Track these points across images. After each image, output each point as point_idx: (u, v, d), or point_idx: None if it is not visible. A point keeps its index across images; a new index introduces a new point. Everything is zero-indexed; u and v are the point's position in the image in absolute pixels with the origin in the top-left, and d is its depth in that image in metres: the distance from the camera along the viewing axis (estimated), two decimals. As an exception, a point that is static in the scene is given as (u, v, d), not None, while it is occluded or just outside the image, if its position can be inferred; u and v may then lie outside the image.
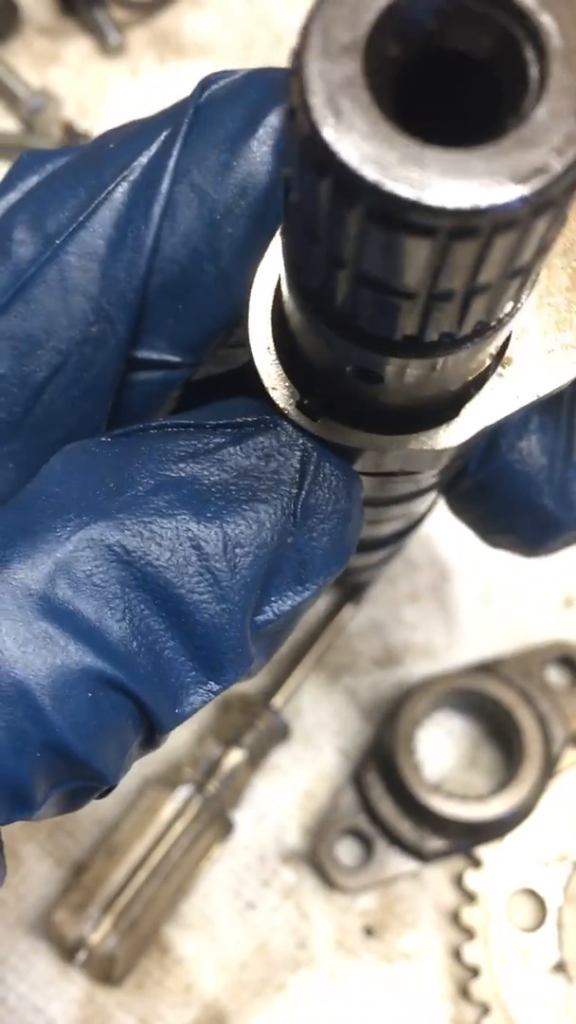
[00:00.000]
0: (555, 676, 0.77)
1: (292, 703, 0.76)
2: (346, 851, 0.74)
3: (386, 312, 0.27)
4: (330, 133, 0.22)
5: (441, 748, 0.77)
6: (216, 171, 0.37)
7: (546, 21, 0.23)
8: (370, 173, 0.22)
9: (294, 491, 0.35)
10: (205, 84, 0.38)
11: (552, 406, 0.47)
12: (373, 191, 0.22)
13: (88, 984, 0.71)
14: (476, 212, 0.22)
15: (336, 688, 0.78)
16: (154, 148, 0.37)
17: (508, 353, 0.35)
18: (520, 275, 0.26)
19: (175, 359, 0.39)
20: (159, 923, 0.70)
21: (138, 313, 0.38)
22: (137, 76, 0.97)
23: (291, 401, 0.35)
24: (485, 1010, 0.70)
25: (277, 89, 0.37)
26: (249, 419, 0.35)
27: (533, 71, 0.23)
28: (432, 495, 0.50)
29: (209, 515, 0.33)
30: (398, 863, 0.72)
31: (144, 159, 0.37)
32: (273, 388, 0.35)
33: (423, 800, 0.71)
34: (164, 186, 0.37)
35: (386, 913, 0.73)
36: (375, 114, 0.23)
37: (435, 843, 0.72)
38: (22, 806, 0.32)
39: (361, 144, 0.22)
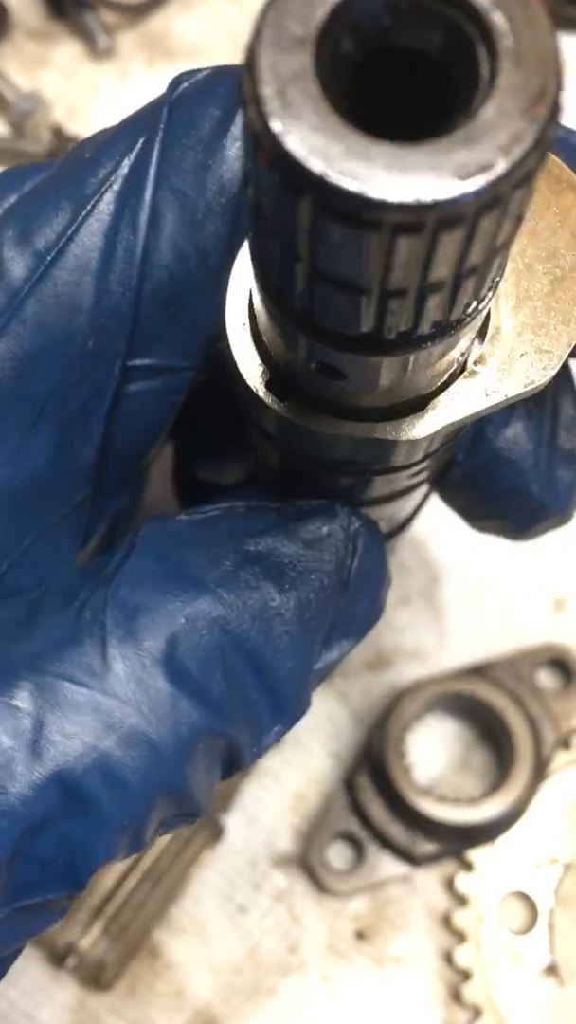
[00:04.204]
0: (545, 678, 0.77)
1: (283, 707, 0.76)
2: (337, 855, 0.74)
3: (342, 308, 0.28)
4: (278, 125, 0.23)
5: (432, 751, 0.77)
6: (194, 172, 0.37)
7: (498, 20, 0.23)
8: (316, 165, 0.22)
9: (347, 563, 0.41)
10: (174, 85, 0.38)
11: (537, 393, 0.47)
12: (318, 183, 0.22)
13: (79, 989, 0.71)
14: (420, 207, 0.22)
15: (327, 691, 0.78)
16: (133, 155, 0.37)
17: (482, 351, 0.35)
18: (474, 275, 0.26)
19: (173, 364, 0.39)
20: (149, 928, 0.70)
21: (133, 323, 0.38)
22: (127, 79, 0.97)
23: (261, 380, 0.35)
24: (477, 1013, 0.70)
25: None
26: (311, 502, 0.41)
27: (484, 70, 0.23)
28: (414, 499, 0.50)
29: (287, 586, 0.39)
30: (389, 866, 0.72)
31: (125, 169, 0.37)
32: (244, 366, 0.35)
33: (414, 803, 0.71)
34: (147, 194, 0.37)
35: (377, 917, 0.73)
36: (324, 107, 0.23)
37: (426, 846, 0.72)
38: (138, 845, 0.37)
39: (308, 136, 0.22)
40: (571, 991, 0.70)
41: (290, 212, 0.24)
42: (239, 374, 0.36)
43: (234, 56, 0.89)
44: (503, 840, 0.72)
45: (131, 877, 0.69)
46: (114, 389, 0.39)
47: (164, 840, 0.69)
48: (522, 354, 0.35)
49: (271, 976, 0.72)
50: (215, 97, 0.38)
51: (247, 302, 0.35)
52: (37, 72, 0.96)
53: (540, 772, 0.73)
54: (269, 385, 0.35)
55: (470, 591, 0.80)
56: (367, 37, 0.24)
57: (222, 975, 0.72)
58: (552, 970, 0.71)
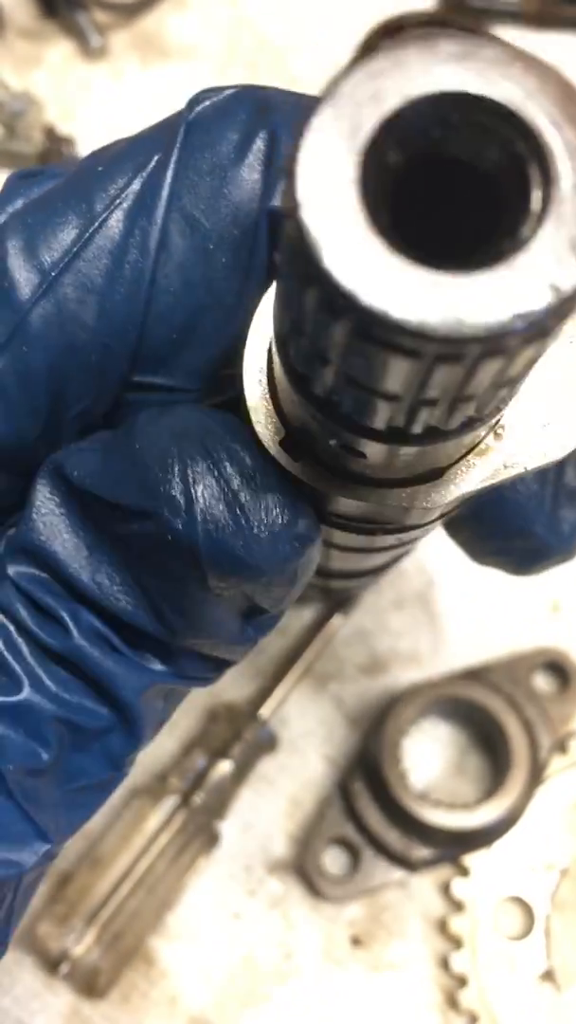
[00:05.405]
0: (542, 682, 0.77)
1: (278, 712, 0.76)
2: (333, 860, 0.73)
3: (370, 407, 0.27)
4: (317, 246, 0.21)
5: (428, 756, 0.76)
6: (207, 199, 0.36)
7: (554, 143, 0.21)
8: (356, 291, 0.21)
9: None
10: (193, 103, 0.37)
11: None
12: (358, 309, 0.21)
13: (73, 997, 0.70)
14: (463, 340, 0.21)
15: (323, 696, 0.78)
16: (146, 173, 0.36)
17: (503, 421, 0.34)
18: (508, 385, 0.26)
19: (176, 385, 0.38)
20: (144, 935, 0.70)
21: (137, 344, 0.37)
22: (119, 79, 0.96)
23: (275, 439, 0.34)
24: (473, 1020, 0.69)
25: (264, 109, 0.36)
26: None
27: (536, 193, 0.22)
28: (422, 542, 0.49)
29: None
30: (385, 872, 0.72)
31: (136, 185, 0.36)
32: (259, 423, 0.34)
33: (409, 809, 0.70)
34: (159, 215, 0.36)
35: (373, 923, 0.73)
36: (367, 229, 0.21)
37: (422, 852, 0.71)
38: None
39: (349, 261, 0.21)
40: (567, 997, 0.70)
41: (325, 327, 0.23)
42: (252, 430, 0.35)
43: (227, 56, 0.88)
44: (499, 845, 0.72)
45: (125, 884, 0.68)
46: (114, 405, 0.38)
47: (159, 847, 0.68)
48: (543, 425, 0.34)
49: (266, 983, 0.71)
50: (235, 120, 0.36)
51: (265, 359, 0.34)
52: (29, 72, 0.96)
53: (536, 777, 0.72)
54: (283, 444, 0.34)
55: (466, 595, 0.80)
56: (415, 148, 0.23)
57: (217, 982, 0.71)
58: (548, 976, 0.70)
